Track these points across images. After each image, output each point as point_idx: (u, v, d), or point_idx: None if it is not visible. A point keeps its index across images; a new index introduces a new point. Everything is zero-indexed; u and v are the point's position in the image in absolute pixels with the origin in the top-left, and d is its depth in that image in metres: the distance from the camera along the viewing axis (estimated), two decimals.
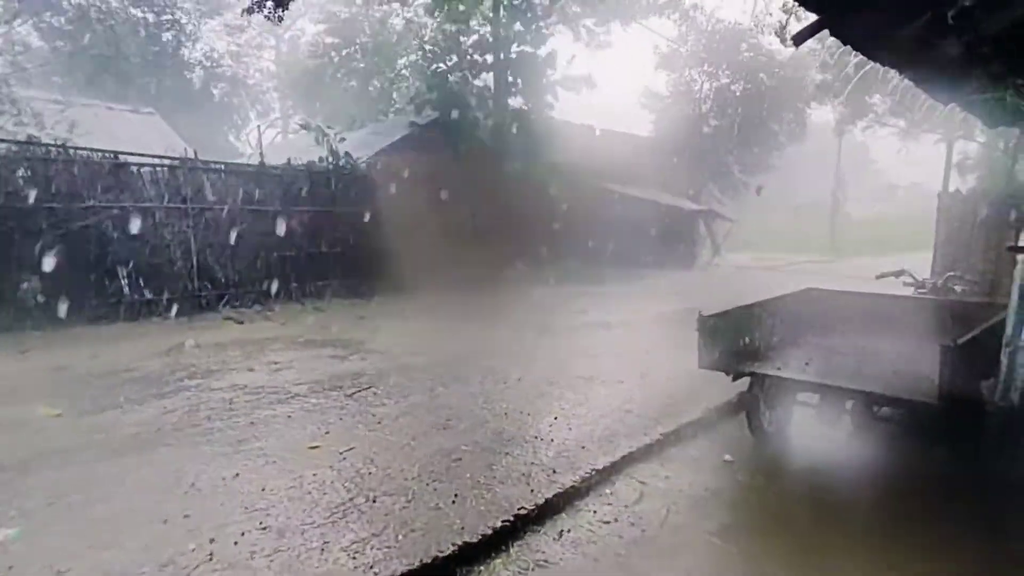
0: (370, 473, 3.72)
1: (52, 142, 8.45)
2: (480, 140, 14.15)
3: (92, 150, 8.68)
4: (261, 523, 3.10)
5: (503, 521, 3.19)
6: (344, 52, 21.41)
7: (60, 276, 8.04)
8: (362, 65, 21.11)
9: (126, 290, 8.65)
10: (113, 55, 19.99)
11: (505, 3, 14.29)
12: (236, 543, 2.92)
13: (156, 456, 3.96)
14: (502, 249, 13.84)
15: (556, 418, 4.78)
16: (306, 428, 4.51)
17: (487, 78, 15.21)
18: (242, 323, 8.87)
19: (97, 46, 19.72)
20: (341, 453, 4.00)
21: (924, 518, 3.46)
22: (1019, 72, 3.42)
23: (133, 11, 21.82)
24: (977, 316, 4.31)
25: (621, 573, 2.97)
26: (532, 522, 3.31)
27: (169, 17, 22.99)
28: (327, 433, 4.41)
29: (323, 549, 2.89)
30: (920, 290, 6.41)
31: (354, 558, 2.82)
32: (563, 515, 3.45)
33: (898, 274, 6.39)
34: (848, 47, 3.31)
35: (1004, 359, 3.43)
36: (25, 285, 7.87)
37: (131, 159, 9.04)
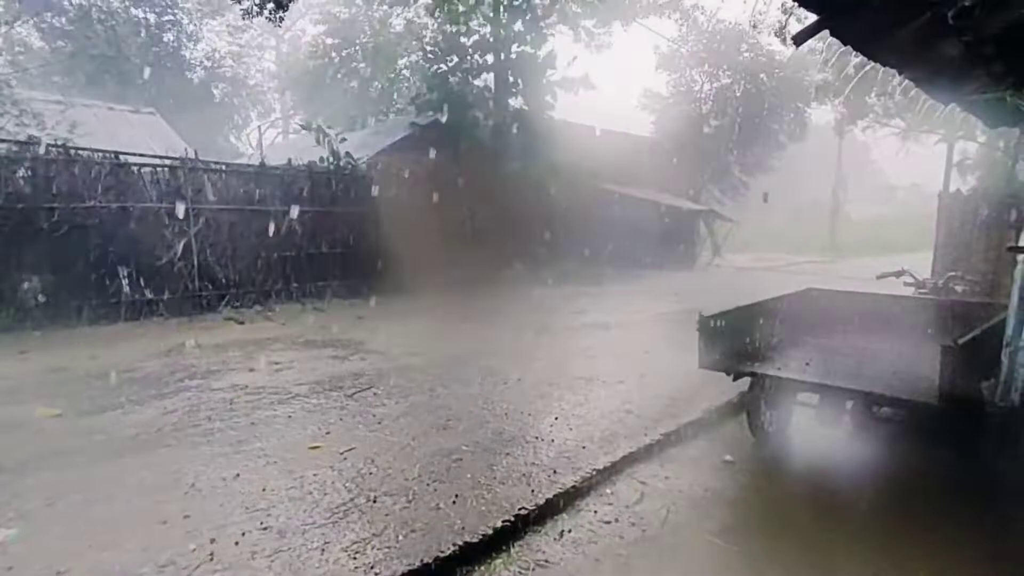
0: (371, 473, 3.72)
1: (53, 142, 8.46)
2: (480, 140, 14.14)
3: (93, 150, 8.69)
4: (262, 523, 3.10)
5: (503, 521, 3.19)
6: (344, 52, 21.42)
7: (60, 276, 8.06)
8: (363, 65, 21.12)
9: (126, 290, 8.65)
10: (114, 55, 20.02)
11: (505, 3, 14.29)
12: (237, 543, 2.92)
13: (156, 457, 3.96)
14: (502, 249, 13.85)
15: (556, 418, 4.78)
16: (306, 428, 4.51)
17: (487, 78, 15.21)
18: (242, 323, 8.87)
19: (98, 46, 19.74)
20: (342, 453, 4.00)
21: (924, 518, 3.45)
22: (1019, 72, 3.42)
23: (135, 12, 21.85)
24: (977, 316, 4.32)
25: (622, 573, 2.97)
26: (533, 522, 3.31)
27: (171, 18, 23.02)
28: (328, 433, 4.41)
29: (324, 549, 2.89)
30: (920, 290, 6.40)
31: (355, 558, 2.82)
32: (564, 515, 3.45)
33: (898, 274, 6.38)
34: (848, 47, 3.31)
35: (1004, 359, 3.43)
36: (25, 285, 7.88)
37: (131, 159, 9.05)
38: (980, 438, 3.53)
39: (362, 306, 10.44)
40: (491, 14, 14.46)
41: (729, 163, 23.91)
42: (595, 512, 3.51)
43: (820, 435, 4.35)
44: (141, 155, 9.34)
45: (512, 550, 3.10)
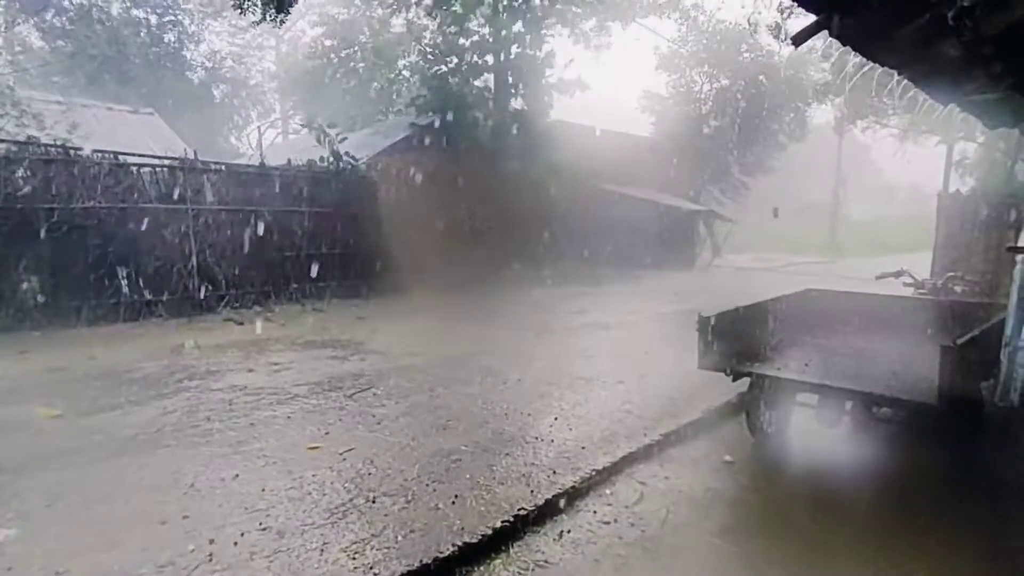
0: (370, 474, 3.71)
1: (52, 142, 8.46)
2: (480, 141, 14.14)
3: (92, 151, 8.68)
4: (261, 524, 3.10)
5: (503, 522, 3.18)
6: (344, 53, 21.41)
7: (59, 277, 8.06)
8: (362, 66, 21.10)
9: (126, 291, 8.64)
10: (114, 56, 20.01)
11: (504, 4, 14.29)
12: (236, 544, 2.91)
13: (155, 457, 3.96)
14: (501, 249, 13.84)
15: (556, 418, 4.78)
16: (306, 429, 4.50)
17: (487, 79, 15.21)
18: (242, 324, 8.86)
19: (98, 46, 19.73)
20: (341, 454, 4.00)
21: (924, 518, 3.45)
22: (1019, 72, 3.42)
23: (135, 12, 21.84)
24: (977, 316, 4.32)
25: (621, 574, 2.97)
26: (532, 523, 3.30)
27: (171, 18, 23.02)
28: (327, 434, 4.41)
29: (323, 550, 2.88)
30: (920, 290, 6.41)
31: (354, 559, 2.81)
32: (563, 516, 3.45)
33: (898, 274, 6.39)
34: (848, 47, 3.31)
35: (1004, 359, 3.43)
36: (25, 285, 7.87)
37: (131, 160, 9.04)
38: (980, 438, 3.53)
39: (361, 306, 10.43)
40: (491, 14, 14.46)
41: (729, 163, 23.91)
42: (594, 512, 3.51)
43: (820, 435, 4.35)
44: (140, 155, 9.33)
45: (511, 550, 3.10)
